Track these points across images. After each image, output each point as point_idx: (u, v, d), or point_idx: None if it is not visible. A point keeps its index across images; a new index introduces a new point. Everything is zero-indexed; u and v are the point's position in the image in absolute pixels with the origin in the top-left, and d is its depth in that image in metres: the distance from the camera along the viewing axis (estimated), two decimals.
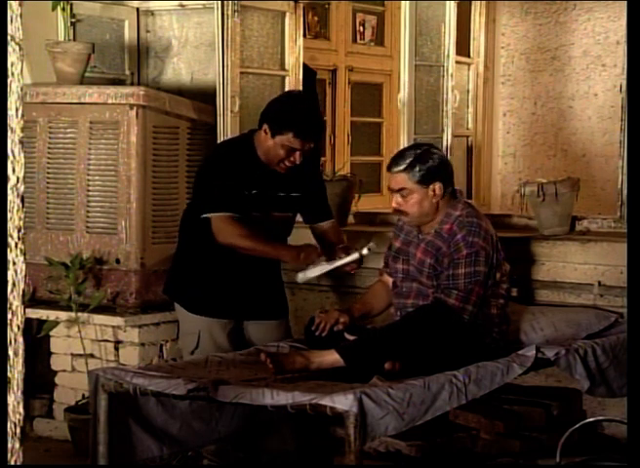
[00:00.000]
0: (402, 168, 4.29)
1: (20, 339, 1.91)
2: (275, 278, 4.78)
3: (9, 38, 1.87)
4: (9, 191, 1.87)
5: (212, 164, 4.67)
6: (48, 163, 5.56)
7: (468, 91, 7.67)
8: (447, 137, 6.79)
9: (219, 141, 5.59)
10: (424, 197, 4.30)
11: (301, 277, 4.55)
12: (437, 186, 4.29)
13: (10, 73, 1.87)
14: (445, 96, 6.82)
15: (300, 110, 4.54)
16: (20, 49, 1.89)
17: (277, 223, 4.67)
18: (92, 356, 5.39)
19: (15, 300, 1.88)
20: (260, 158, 4.57)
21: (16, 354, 1.89)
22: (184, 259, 4.75)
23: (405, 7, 6.61)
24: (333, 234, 4.77)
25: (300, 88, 6.04)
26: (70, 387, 5.48)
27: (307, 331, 4.48)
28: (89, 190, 5.47)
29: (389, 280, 4.54)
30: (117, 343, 5.36)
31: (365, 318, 4.54)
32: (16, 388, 1.89)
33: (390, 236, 4.63)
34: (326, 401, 3.47)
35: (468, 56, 7.71)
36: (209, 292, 4.67)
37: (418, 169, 4.27)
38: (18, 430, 1.90)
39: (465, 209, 4.36)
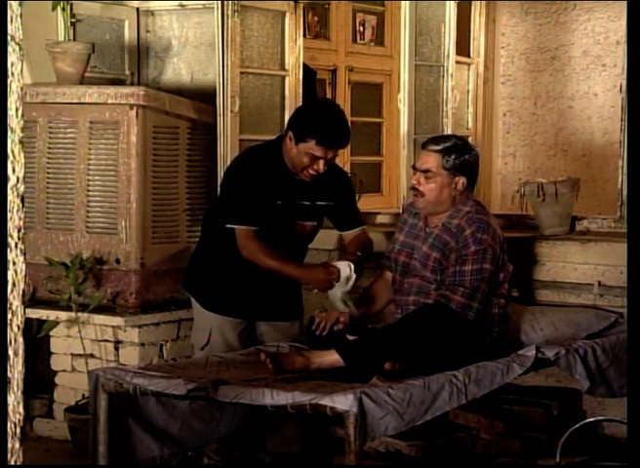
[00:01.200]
0: (440, 148, 4.29)
1: (20, 339, 1.91)
2: (292, 284, 4.76)
3: (9, 38, 1.87)
4: (9, 191, 1.87)
5: (239, 171, 4.63)
6: (48, 163, 5.56)
7: (468, 91, 7.66)
8: None
9: (218, 141, 5.59)
10: (446, 185, 4.29)
11: (339, 297, 4.53)
12: (462, 181, 4.29)
13: (10, 73, 1.87)
14: (445, 96, 6.82)
15: (323, 118, 4.50)
16: (20, 49, 1.89)
17: (301, 233, 4.66)
18: (92, 356, 5.39)
19: (15, 300, 1.88)
20: (287, 165, 4.55)
21: (16, 354, 1.89)
22: (203, 257, 4.76)
23: (405, 7, 6.61)
24: (361, 242, 4.71)
25: (300, 88, 6.04)
26: (70, 387, 5.48)
27: (308, 330, 4.48)
28: (89, 190, 5.47)
29: (390, 276, 4.54)
30: (117, 343, 5.36)
31: (365, 316, 4.53)
32: (16, 388, 1.89)
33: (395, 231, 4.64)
34: (326, 401, 3.47)
35: (468, 56, 7.70)
36: (223, 291, 4.68)
37: (453, 156, 4.27)
38: (18, 430, 1.90)
39: (475, 206, 4.36)
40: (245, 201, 4.51)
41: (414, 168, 4.40)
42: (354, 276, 4.44)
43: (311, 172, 4.50)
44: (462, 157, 4.28)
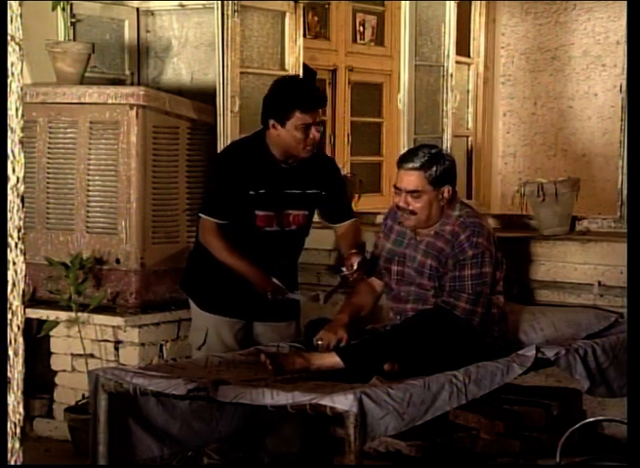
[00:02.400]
0: (418, 165, 4.20)
1: (20, 339, 1.90)
2: (289, 280, 4.76)
3: (9, 38, 1.86)
4: (9, 191, 1.87)
5: (216, 163, 4.78)
6: (48, 163, 5.56)
7: (468, 91, 7.67)
8: (447, 137, 6.79)
9: (218, 141, 5.59)
10: (434, 199, 4.23)
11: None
12: (447, 189, 4.24)
13: (10, 73, 1.87)
14: (445, 96, 6.82)
15: (292, 88, 4.57)
16: (20, 49, 1.89)
17: (293, 222, 4.66)
18: (92, 356, 5.39)
19: (15, 300, 1.88)
20: (273, 156, 4.56)
21: (16, 354, 1.89)
22: (198, 257, 4.76)
23: (405, 7, 6.61)
24: (352, 235, 4.69)
25: None
26: (70, 387, 5.48)
27: (307, 331, 4.47)
28: (89, 190, 5.47)
29: (374, 281, 4.50)
30: (117, 343, 5.36)
31: (355, 320, 4.46)
32: (16, 388, 1.89)
33: (379, 236, 4.57)
34: (326, 401, 3.47)
35: (468, 56, 7.71)
36: (219, 291, 4.67)
37: (435, 169, 4.19)
38: (18, 430, 1.90)
39: (464, 209, 4.33)
40: (214, 193, 4.60)
41: (396, 188, 4.30)
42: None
43: (309, 143, 4.50)
44: (442, 167, 4.22)
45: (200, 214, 4.62)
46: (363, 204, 6.19)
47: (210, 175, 4.77)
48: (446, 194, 4.24)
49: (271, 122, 4.50)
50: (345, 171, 6.92)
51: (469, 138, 7.68)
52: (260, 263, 4.55)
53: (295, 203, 4.62)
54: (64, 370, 5.50)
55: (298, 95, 4.50)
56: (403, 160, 4.30)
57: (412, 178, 4.22)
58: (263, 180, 4.54)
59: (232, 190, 4.51)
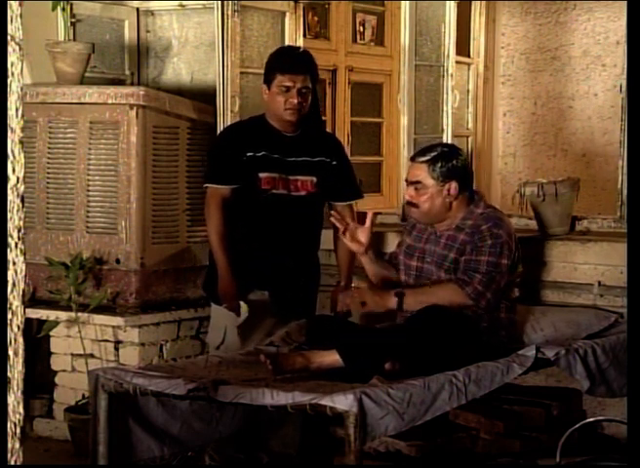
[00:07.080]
0: (425, 159, 4.33)
1: (20, 339, 1.90)
2: (309, 278, 4.78)
3: (9, 38, 1.86)
4: (9, 191, 1.87)
5: (217, 136, 5.06)
6: (48, 163, 5.56)
7: (468, 91, 7.67)
8: (447, 137, 6.79)
9: None
10: (437, 194, 4.32)
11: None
12: (453, 186, 4.31)
13: (10, 73, 1.87)
14: (445, 96, 6.81)
15: (280, 53, 4.85)
16: (20, 49, 1.89)
17: (301, 189, 4.69)
18: (92, 356, 5.39)
19: (15, 300, 1.88)
20: (273, 126, 4.70)
21: (16, 354, 1.89)
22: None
23: (405, 7, 6.61)
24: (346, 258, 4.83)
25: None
26: (70, 387, 5.48)
27: (308, 331, 4.47)
28: (89, 190, 5.47)
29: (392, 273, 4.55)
30: (117, 343, 5.36)
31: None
32: (16, 388, 1.89)
33: (402, 232, 4.65)
34: (326, 401, 3.47)
35: (468, 56, 7.71)
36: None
37: (440, 165, 4.30)
38: (18, 430, 1.90)
39: (488, 208, 4.42)
40: (215, 158, 4.76)
41: (405, 181, 4.46)
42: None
43: (288, 105, 4.62)
44: (449, 164, 4.32)
45: (204, 185, 4.77)
46: (363, 204, 6.18)
47: (209, 149, 4.99)
48: (452, 190, 4.31)
49: (264, 88, 4.71)
50: None
51: (469, 138, 7.67)
52: (271, 233, 4.61)
53: (301, 169, 4.72)
54: (64, 370, 5.50)
55: (279, 58, 4.74)
56: (416, 153, 4.47)
57: (416, 172, 4.36)
58: (262, 144, 4.66)
59: (229, 152, 4.65)
